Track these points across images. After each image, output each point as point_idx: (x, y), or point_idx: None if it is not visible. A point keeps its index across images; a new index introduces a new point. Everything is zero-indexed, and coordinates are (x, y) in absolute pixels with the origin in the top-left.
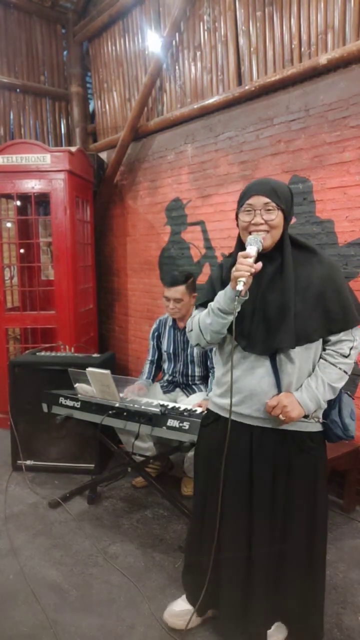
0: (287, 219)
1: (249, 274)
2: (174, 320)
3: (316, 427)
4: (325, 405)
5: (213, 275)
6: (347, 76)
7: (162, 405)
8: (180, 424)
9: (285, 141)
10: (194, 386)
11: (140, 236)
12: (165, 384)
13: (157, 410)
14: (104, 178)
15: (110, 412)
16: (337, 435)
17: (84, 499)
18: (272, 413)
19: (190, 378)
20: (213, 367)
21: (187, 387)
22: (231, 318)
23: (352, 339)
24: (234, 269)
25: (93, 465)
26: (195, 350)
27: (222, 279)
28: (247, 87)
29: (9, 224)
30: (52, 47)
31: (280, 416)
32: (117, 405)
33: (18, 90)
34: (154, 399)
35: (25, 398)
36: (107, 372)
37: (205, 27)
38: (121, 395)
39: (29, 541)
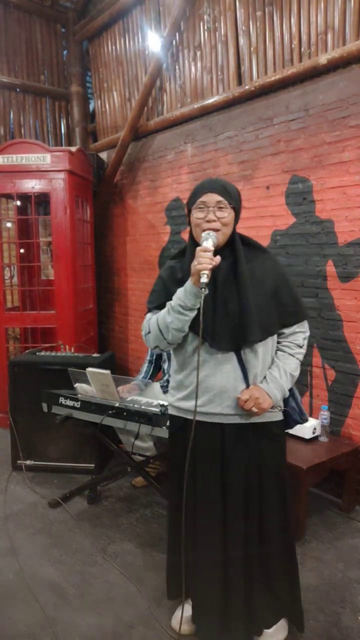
0: (237, 218)
1: (210, 266)
2: None
3: (279, 416)
4: (288, 394)
5: (164, 276)
6: (346, 76)
7: (162, 405)
8: None
9: (285, 141)
10: None
11: (140, 236)
12: (165, 384)
13: (157, 410)
14: (104, 178)
15: (110, 412)
16: (295, 421)
17: (84, 499)
18: (245, 407)
19: None
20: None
21: None
22: (193, 314)
23: (304, 330)
24: (194, 263)
25: (93, 465)
26: None
27: (177, 278)
28: (247, 87)
29: (9, 224)
30: (52, 47)
31: (253, 408)
32: (117, 405)
33: (18, 89)
34: (154, 399)
35: (25, 398)
36: (107, 372)
37: (205, 27)
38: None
39: (28, 540)
